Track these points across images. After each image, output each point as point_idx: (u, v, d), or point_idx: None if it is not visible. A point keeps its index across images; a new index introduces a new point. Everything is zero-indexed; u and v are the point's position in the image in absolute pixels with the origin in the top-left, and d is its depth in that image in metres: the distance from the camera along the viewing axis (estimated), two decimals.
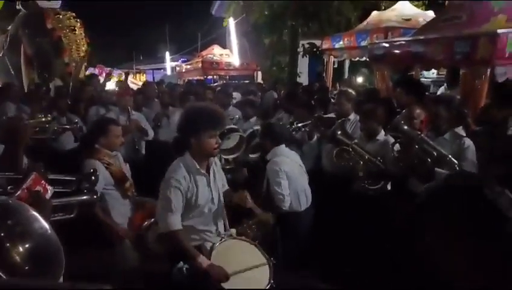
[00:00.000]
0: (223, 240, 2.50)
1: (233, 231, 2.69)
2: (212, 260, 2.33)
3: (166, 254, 2.64)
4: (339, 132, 3.53)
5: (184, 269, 2.39)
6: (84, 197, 2.12)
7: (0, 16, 9.76)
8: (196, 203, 2.49)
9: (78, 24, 10.43)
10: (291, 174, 3.27)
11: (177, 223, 2.43)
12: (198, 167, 2.48)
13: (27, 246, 1.07)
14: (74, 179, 2.25)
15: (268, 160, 3.35)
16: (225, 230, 2.67)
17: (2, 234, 1.05)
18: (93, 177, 2.45)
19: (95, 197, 2.19)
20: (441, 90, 5.93)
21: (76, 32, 10.38)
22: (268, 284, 2.27)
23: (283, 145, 3.40)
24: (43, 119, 3.95)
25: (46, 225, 1.12)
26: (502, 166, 2.81)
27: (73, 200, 2.04)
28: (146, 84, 7.92)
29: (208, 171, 2.57)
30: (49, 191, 1.77)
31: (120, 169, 3.17)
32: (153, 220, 2.84)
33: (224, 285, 2.24)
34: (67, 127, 3.96)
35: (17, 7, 10.02)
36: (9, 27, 10.25)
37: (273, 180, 3.23)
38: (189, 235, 2.51)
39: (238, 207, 2.63)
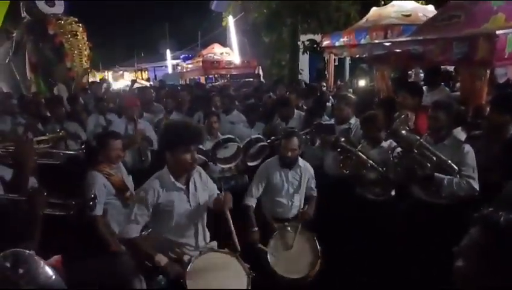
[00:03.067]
0: (201, 253, 2.55)
1: (214, 243, 2.77)
2: (188, 274, 2.38)
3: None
4: (343, 140, 3.58)
5: (162, 282, 2.52)
6: None
7: (5, 22, 9.87)
8: (171, 215, 2.56)
9: (81, 29, 10.57)
10: None
11: (133, 232, 2.51)
12: (173, 181, 2.54)
13: None
14: (74, 202, 2.34)
15: None
16: (206, 243, 2.74)
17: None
18: (91, 203, 2.59)
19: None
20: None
21: (79, 37, 10.53)
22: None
23: None
24: (60, 133, 4.10)
25: (53, 275, 1.20)
26: (500, 170, 2.88)
27: None
28: (143, 89, 7.97)
29: (187, 183, 2.62)
30: None
31: (121, 179, 3.29)
32: (150, 230, 2.87)
33: None
34: (72, 152, 4.01)
35: (22, 14, 10.14)
36: (15, 34, 10.39)
37: None
38: (167, 248, 2.58)
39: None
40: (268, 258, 2.98)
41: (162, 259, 2.45)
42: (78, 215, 2.64)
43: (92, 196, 2.71)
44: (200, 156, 3.65)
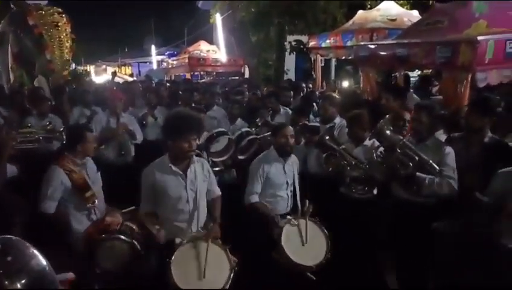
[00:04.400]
0: (192, 239, 2.65)
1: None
2: (175, 257, 2.50)
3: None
4: (327, 137, 3.62)
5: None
6: None
7: None
8: (166, 197, 2.74)
9: (64, 20, 10.26)
10: None
11: (143, 208, 2.82)
12: (170, 165, 2.73)
13: (23, 282, 1.11)
14: None
15: None
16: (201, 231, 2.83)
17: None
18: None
19: None
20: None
21: (60, 28, 10.21)
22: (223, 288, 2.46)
23: None
24: (48, 127, 4.05)
25: (44, 262, 1.17)
26: (478, 172, 2.97)
27: None
28: (130, 83, 7.91)
29: (186, 171, 2.76)
30: None
31: (82, 177, 3.11)
32: (103, 236, 2.86)
33: (179, 283, 2.42)
34: (50, 136, 4.00)
35: (11, 6, 9.89)
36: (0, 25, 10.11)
37: None
38: (165, 226, 2.74)
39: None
40: (287, 251, 2.96)
41: (161, 236, 2.67)
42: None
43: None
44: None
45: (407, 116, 3.87)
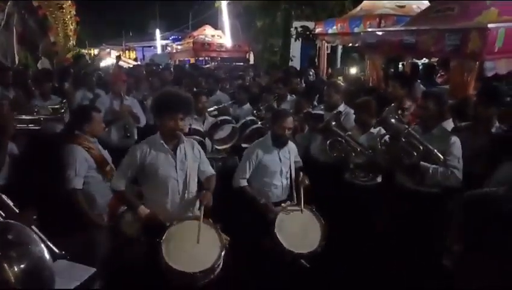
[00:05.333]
0: (182, 219, 2.66)
1: (198, 213, 2.78)
2: (166, 234, 2.51)
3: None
4: (334, 123, 3.58)
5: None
6: None
7: None
8: (157, 174, 2.72)
9: (68, 2, 10.15)
10: None
11: (120, 185, 2.77)
12: (162, 142, 2.73)
13: (23, 267, 1.11)
14: None
15: None
16: (191, 212, 2.82)
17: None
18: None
19: None
20: None
21: (64, 10, 10.13)
22: (212, 265, 2.44)
23: None
24: (57, 106, 4.04)
25: (43, 247, 1.17)
26: (485, 162, 2.93)
27: None
28: (134, 67, 7.87)
29: (174, 150, 2.76)
30: None
31: (100, 153, 3.27)
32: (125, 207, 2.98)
33: (168, 260, 2.41)
34: (52, 117, 4.01)
35: None
36: (7, 6, 10.02)
37: None
38: (155, 208, 2.72)
39: None
40: (280, 238, 2.96)
41: (144, 211, 2.68)
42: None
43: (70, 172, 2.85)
44: (196, 136, 3.66)
45: (408, 104, 3.83)
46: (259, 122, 4.28)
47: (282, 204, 3.22)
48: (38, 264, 1.14)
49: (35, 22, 9.95)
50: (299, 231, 3.04)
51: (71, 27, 10.43)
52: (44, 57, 9.79)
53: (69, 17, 10.42)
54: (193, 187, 2.85)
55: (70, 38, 10.45)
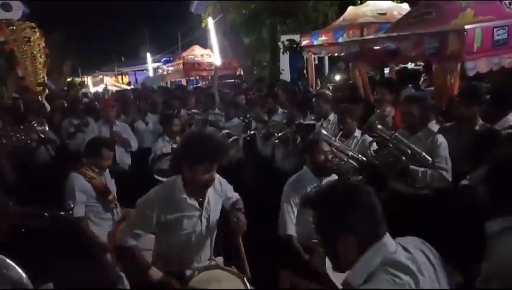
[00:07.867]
0: (207, 268, 2.35)
1: (219, 259, 2.59)
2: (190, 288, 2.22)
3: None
4: (323, 131, 3.63)
5: None
6: None
7: None
8: (178, 233, 2.34)
9: (36, 35, 9.92)
10: None
11: (127, 240, 2.35)
12: (185, 197, 2.29)
13: None
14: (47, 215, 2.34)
15: None
16: (209, 259, 2.52)
17: None
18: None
19: None
20: None
21: (32, 44, 9.89)
22: None
23: None
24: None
25: (22, 273, 1.18)
26: (470, 160, 2.97)
27: None
28: (121, 91, 7.96)
29: (202, 199, 2.36)
30: None
31: (102, 182, 3.27)
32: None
33: None
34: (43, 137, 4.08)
35: None
36: None
37: None
38: (168, 262, 2.41)
39: None
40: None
41: (156, 274, 2.29)
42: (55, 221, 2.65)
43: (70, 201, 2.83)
44: None
45: (388, 110, 3.90)
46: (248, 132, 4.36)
47: None
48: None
49: (2, 57, 9.84)
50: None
51: (40, 60, 10.12)
52: (13, 92, 9.68)
53: (37, 50, 10.10)
54: (214, 227, 2.49)
55: (40, 71, 10.18)
